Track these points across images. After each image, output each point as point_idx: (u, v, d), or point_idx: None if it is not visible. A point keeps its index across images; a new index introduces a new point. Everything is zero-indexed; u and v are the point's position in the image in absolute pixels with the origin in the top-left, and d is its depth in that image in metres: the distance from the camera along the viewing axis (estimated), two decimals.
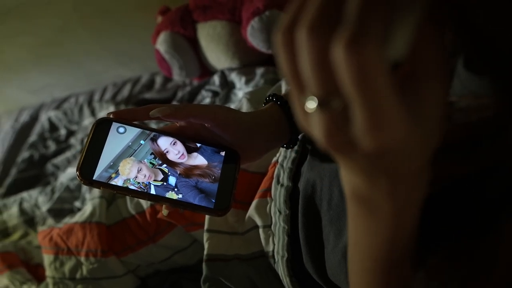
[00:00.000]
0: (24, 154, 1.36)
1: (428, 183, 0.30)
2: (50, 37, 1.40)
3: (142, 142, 0.52)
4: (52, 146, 1.37)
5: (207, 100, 1.16)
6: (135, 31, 1.37)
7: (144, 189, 0.49)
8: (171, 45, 1.17)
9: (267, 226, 0.64)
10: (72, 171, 1.18)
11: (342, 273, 0.48)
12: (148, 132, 0.52)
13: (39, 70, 1.56)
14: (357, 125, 0.22)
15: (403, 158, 0.26)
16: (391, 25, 0.22)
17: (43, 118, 1.47)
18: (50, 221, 1.04)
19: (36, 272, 0.89)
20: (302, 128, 0.26)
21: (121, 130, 0.51)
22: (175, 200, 0.50)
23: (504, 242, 0.31)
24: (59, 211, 1.05)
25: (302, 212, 0.57)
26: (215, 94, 1.16)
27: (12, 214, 1.11)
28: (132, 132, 0.52)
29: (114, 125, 0.51)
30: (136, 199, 0.81)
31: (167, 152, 0.52)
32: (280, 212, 0.62)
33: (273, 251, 0.63)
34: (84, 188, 1.07)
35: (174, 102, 1.26)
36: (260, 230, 0.65)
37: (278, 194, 0.63)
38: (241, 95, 1.06)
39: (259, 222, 0.66)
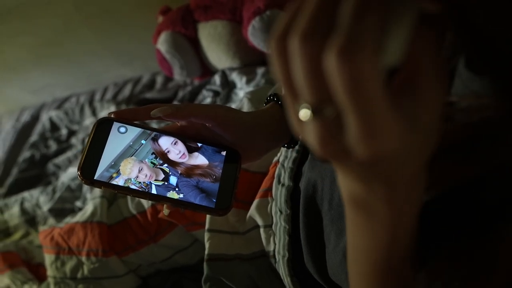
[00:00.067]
0: (25, 154, 1.36)
1: (426, 185, 0.29)
2: (51, 37, 1.40)
3: (143, 141, 0.52)
4: (53, 145, 1.37)
5: (208, 100, 1.16)
6: (136, 31, 1.37)
7: (145, 189, 0.49)
8: (172, 45, 1.17)
9: (268, 226, 0.64)
10: (73, 170, 1.18)
11: (343, 272, 0.48)
12: (149, 131, 0.52)
13: (40, 70, 1.56)
14: (351, 133, 0.22)
15: (398, 165, 0.26)
16: (385, 30, 0.22)
17: (44, 118, 1.48)
18: (51, 220, 1.04)
19: (37, 271, 0.89)
20: (297, 135, 0.25)
21: (122, 130, 0.51)
22: (176, 199, 0.50)
23: (504, 242, 0.31)
24: (60, 211, 1.05)
25: (303, 211, 0.57)
26: (216, 93, 1.17)
27: (13, 213, 1.11)
28: (133, 132, 0.52)
29: (115, 125, 0.51)
30: (137, 198, 0.81)
31: (168, 151, 0.52)
32: (281, 212, 0.62)
33: (274, 250, 0.63)
34: (85, 187, 1.07)
35: (175, 102, 1.26)
36: (261, 230, 0.65)
37: (279, 193, 0.63)
38: (242, 95, 1.06)
39: (260, 221, 0.66)
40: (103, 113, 1.33)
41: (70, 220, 0.87)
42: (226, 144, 0.54)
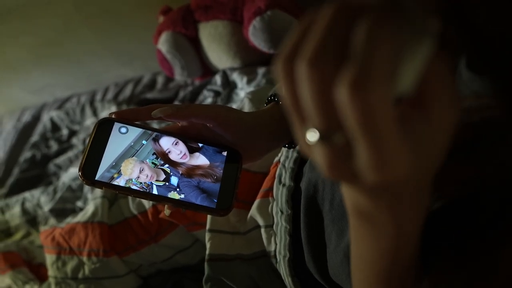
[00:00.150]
0: (26, 154, 1.36)
1: (430, 195, 0.29)
2: (51, 37, 1.40)
3: (144, 142, 0.52)
4: (54, 146, 1.37)
5: (208, 100, 1.16)
6: (136, 31, 1.37)
7: (146, 189, 0.49)
8: (173, 45, 1.17)
9: (269, 226, 0.65)
10: (74, 171, 1.18)
11: (344, 273, 0.48)
12: (150, 132, 0.52)
13: (41, 70, 1.56)
14: (360, 160, 0.22)
15: (404, 184, 0.26)
16: (399, 60, 0.21)
17: (45, 118, 1.48)
18: (52, 221, 1.04)
19: (38, 271, 0.90)
20: (305, 155, 0.25)
21: (123, 130, 0.52)
22: (177, 200, 0.50)
23: (505, 247, 0.31)
24: (61, 211, 1.05)
25: (304, 212, 0.57)
26: (216, 94, 1.17)
27: (14, 214, 1.11)
28: (134, 132, 0.52)
29: (116, 125, 0.51)
30: (138, 199, 0.82)
31: (169, 152, 0.52)
32: (282, 212, 0.62)
33: (275, 251, 0.63)
34: (86, 188, 1.07)
35: (176, 102, 1.26)
36: (262, 230, 0.65)
37: (280, 194, 0.63)
38: (242, 95, 1.06)
39: (261, 222, 0.66)
40: (104, 113, 1.33)
41: (71, 220, 0.87)
42: (227, 144, 0.54)
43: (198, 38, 1.18)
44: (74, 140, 1.35)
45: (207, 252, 0.67)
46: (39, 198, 1.10)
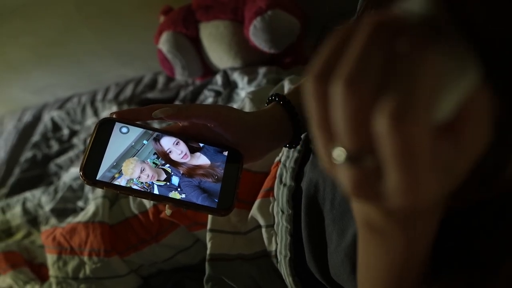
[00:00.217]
0: (27, 154, 1.36)
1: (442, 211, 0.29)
2: (53, 37, 1.40)
3: (145, 142, 0.52)
4: (55, 146, 1.37)
5: (209, 100, 1.16)
6: (137, 31, 1.37)
7: (147, 189, 0.49)
8: (174, 45, 1.17)
9: (270, 226, 0.64)
10: (75, 170, 1.18)
11: (345, 272, 0.48)
12: (151, 132, 0.52)
13: (42, 70, 1.56)
14: (389, 185, 0.21)
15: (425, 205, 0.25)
16: (442, 90, 0.20)
17: (46, 118, 1.48)
18: (53, 220, 1.04)
19: (39, 271, 0.90)
20: (327, 172, 0.24)
21: (124, 130, 0.52)
22: (178, 200, 0.50)
23: (504, 265, 0.31)
24: (62, 211, 1.05)
25: (305, 211, 0.57)
26: (217, 93, 1.17)
27: (15, 213, 1.11)
28: (135, 132, 0.52)
29: (117, 125, 0.51)
30: (139, 199, 0.82)
31: (170, 152, 0.52)
32: (282, 212, 0.62)
33: (275, 250, 0.63)
34: (87, 187, 1.07)
35: (177, 102, 1.26)
36: (263, 230, 0.65)
37: (280, 193, 0.63)
38: (243, 95, 1.06)
39: (261, 221, 0.66)
40: (105, 113, 1.34)
41: (72, 220, 0.87)
42: (228, 144, 0.54)
43: (199, 38, 1.19)
44: (75, 140, 1.35)
45: (208, 252, 0.67)
46: (40, 198, 1.10)
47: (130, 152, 0.51)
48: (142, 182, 0.50)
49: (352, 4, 0.50)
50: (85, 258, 0.78)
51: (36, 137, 1.42)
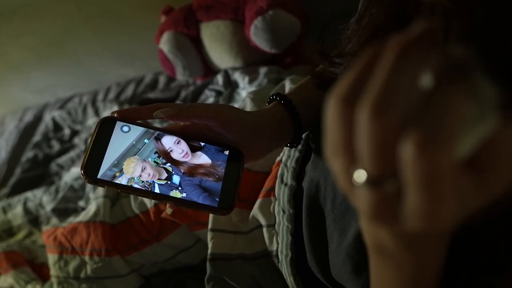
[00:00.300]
0: (28, 153, 1.36)
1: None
2: (54, 38, 1.40)
3: (146, 141, 0.52)
4: (56, 145, 1.37)
5: (210, 100, 1.16)
6: (138, 31, 1.37)
7: (148, 188, 0.49)
8: (175, 45, 1.17)
9: (271, 226, 0.64)
10: (76, 170, 1.18)
11: (346, 272, 0.48)
12: (152, 131, 0.53)
13: (43, 70, 1.56)
14: (409, 209, 0.21)
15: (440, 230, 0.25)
16: (466, 124, 0.20)
17: (47, 118, 1.48)
18: (54, 220, 1.04)
19: (41, 271, 0.90)
20: (343, 193, 0.24)
21: (125, 129, 0.52)
22: (179, 199, 0.50)
23: (504, 279, 0.31)
24: (63, 211, 1.05)
25: (306, 211, 0.57)
26: (218, 93, 1.17)
27: (16, 213, 1.11)
28: (136, 131, 0.52)
29: (118, 124, 0.51)
30: (140, 198, 0.82)
31: (171, 151, 0.52)
32: (284, 212, 0.62)
33: (277, 250, 0.63)
34: (88, 187, 1.07)
35: (178, 102, 1.26)
36: (264, 230, 0.65)
37: (282, 193, 0.63)
38: (244, 95, 1.06)
39: (263, 221, 0.66)
40: (105, 113, 1.34)
41: (73, 219, 0.87)
42: (229, 143, 0.54)
43: (200, 38, 1.19)
44: (76, 140, 1.35)
45: (209, 251, 0.67)
46: (41, 198, 1.10)
47: (131, 151, 0.51)
48: (143, 181, 0.50)
49: (353, 4, 0.50)
50: (86, 258, 0.78)
51: (37, 137, 1.42)
